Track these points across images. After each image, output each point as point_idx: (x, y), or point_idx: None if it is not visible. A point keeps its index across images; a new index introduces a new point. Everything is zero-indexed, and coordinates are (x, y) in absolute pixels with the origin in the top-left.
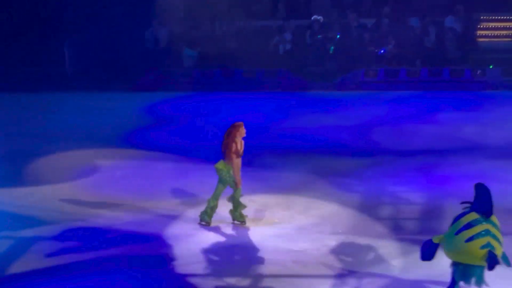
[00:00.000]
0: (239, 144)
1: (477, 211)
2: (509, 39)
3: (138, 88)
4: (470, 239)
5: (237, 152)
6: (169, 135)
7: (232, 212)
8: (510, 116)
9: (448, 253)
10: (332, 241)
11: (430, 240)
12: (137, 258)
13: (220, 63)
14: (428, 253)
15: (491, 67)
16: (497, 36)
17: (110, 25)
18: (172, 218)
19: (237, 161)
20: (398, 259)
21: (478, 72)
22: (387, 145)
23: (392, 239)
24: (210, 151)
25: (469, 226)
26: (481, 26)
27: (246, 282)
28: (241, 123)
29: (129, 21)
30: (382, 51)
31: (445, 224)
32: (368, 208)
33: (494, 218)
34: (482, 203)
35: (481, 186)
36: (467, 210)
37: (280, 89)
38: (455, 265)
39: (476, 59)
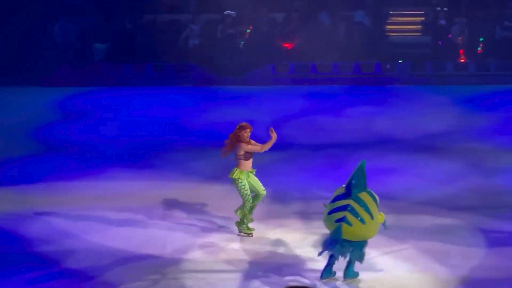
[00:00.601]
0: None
1: (345, 186)
2: (418, 34)
3: (48, 83)
4: (331, 211)
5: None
6: (76, 130)
7: (238, 224)
8: (419, 111)
9: (323, 222)
10: (239, 237)
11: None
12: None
13: (130, 57)
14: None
15: (400, 61)
16: (406, 31)
17: (19, 20)
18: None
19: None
20: (303, 248)
21: (388, 66)
22: (298, 139)
23: (301, 232)
24: (115, 147)
25: (334, 200)
26: (390, 21)
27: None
28: (246, 123)
29: (37, 15)
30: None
31: None
32: (278, 203)
33: (364, 195)
34: (350, 178)
35: (359, 164)
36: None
37: (190, 83)
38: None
39: (385, 54)
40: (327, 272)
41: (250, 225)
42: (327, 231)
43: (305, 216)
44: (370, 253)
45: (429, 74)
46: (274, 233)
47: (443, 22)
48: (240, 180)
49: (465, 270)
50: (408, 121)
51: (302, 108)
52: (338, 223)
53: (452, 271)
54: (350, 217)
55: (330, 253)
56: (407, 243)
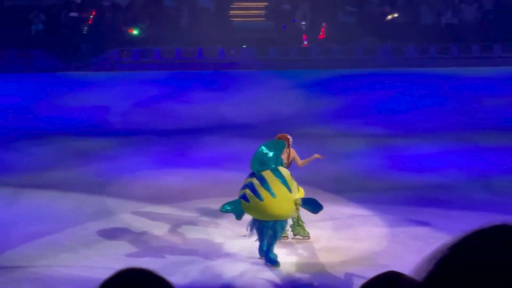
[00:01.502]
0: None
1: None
2: (262, 19)
3: None
4: (241, 188)
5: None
6: None
7: (292, 227)
8: (264, 95)
9: None
10: (85, 225)
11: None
12: None
13: None
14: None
15: (244, 46)
16: (250, 16)
17: None
18: None
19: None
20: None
21: (232, 51)
22: (143, 125)
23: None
24: None
25: (247, 176)
26: (234, 6)
27: None
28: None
29: None
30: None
31: (192, 203)
32: (116, 188)
33: (267, 173)
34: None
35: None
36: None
37: (33, 70)
38: None
39: (230, 39)
40: (260, 250)
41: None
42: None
43: (155, 201)
44: None
45: (273, 59)
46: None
47: (287, 6)
48: None
49: (309, 255)
50: (253, 106)
51: (147, 94)
52: (238, 199)
53: (308, 255)
54: (248, 194)
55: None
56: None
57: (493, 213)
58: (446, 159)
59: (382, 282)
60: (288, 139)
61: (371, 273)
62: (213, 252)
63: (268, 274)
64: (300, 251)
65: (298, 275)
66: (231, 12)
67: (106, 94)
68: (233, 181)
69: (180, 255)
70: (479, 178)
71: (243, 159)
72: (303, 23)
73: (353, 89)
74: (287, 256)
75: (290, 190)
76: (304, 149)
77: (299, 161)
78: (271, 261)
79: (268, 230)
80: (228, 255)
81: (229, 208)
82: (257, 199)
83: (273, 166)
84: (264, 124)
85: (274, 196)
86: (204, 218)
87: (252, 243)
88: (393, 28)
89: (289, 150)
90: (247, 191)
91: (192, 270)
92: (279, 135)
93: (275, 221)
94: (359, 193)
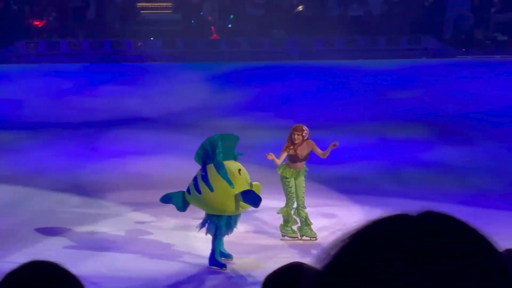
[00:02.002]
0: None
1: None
2: (169, 11)
3: None
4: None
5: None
6: None
7: (282, 227)
8: (172, 88)
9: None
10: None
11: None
12: None
13: None
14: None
15: (152, 39)
16: (158, 8)
17: None
18: None
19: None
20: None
21: (139, 44)
22: (49, 118)
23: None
24: None
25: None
26: None
27: None
28: (297, 125)
29: None
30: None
31: (103, 195)
32: (24, 181)
33: (210, 167)
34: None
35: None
36: None
37: None
38: None
39: (137, 31)
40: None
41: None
42: None
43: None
44: None
45: (181, 52)
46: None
47: None
48: (286, 178)
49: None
50: (161, 99)
51: (54, 87)
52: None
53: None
54: (191, 186)
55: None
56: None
57: (401, 204)
58: (356, 152)
59: (284, 273)
60: (303, 130)
61: None
62: (122, 245)
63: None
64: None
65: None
66: (139, 4)
67: (12, 87)
68: (142, 173)
69: (88, 248)
70: (388, 170)
71: (152, 152)
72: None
73: (260, 82)
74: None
75: (232, 186)
76: None
77: (320, 152)
78: (215, 263)
79: (211, 224)
80: (136, 248)
81: (168, 198)
82: (196, 192)
83: (218, 159)
84: (172, 117)
85: (212, 190)
86: (118, 209)
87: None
88: (300, 20)
89: (307, 142)
90: (191, 183)
91: (99, 260)
92: (295, 125)
93: (219, 216)
94: (270, 185)
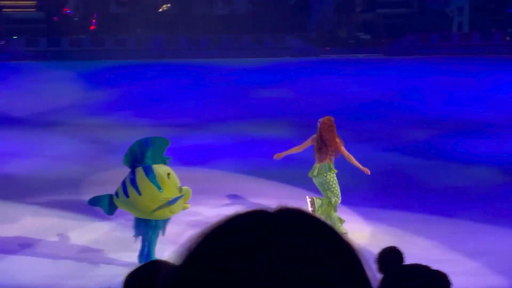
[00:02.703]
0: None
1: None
2: (33, 10)
3: None
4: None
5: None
6: None
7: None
8: (36, 87)
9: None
10: None
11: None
12: None
13: None
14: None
15: (15, 37)
16: (21, 7)
17: None
18: None
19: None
20: None
21: (2, 42)
22: None
23: None
24: None
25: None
26: None
27: None
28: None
29: None
30: None
31: None
32: None
33: (138, 170)
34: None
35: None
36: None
37: None
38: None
39: (0, 30)
40: (140, 255)
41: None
42: None
43: None
44: None
45: (45, 50)
46: None
47: None
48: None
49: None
50: (25, 98)
51: None
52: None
53: None
54: (119, 189)
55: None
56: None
57: (264, 202)
58: (220, 151)
59: (144, 270)
60: (330, 121)
61: None
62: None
63: None
64: None
65: None
66: (2, 2)
67: None
68: (17, 176)
69: None
70: (253, 169)
71: (19, 152)
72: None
73: (125, 80)
74: None
75: (160, 189)
76: (77, 140)
77: (345, 153)
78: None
79: (138, 226)
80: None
81: (96, 201)
82: (124, 196)
83: (147, 163)
84: (36, 117)
85: (140, 194)
86: None
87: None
88: (166, 19)
89: (339, 139)
90: (119, 186)
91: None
92: (323, 119)
93: (147, 220)
94: None
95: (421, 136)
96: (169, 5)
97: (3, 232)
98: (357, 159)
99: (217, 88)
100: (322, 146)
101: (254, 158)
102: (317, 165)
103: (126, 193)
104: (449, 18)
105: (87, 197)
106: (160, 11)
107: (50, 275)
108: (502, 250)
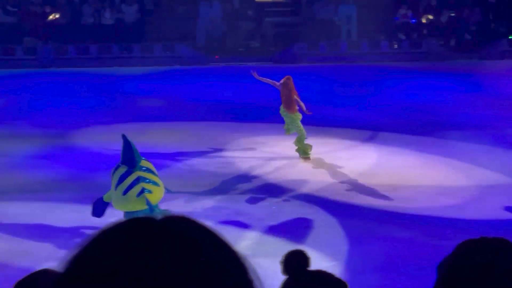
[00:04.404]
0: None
1: (124, 164)
2: None
3: None
4: (126, 191)
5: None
6: None
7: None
8: None
9: (118, 208)
10: None
11: (101, 198)
12: None
13: None
14: (98, 211)
15: None
16: None
17: None
18: None
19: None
20: None
21: None
22: None
23: None
24: None
25: (121, 179)
26: None
27: None
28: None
29: None
30: None
31: None
32: None
33: (146, 163)
34: (125, 155)
35: (124, 139)
36: (118, 165)
37: None
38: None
39: None
40: None
41: None
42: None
43: None
44: None
45: None
46: None
47: None
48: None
49: None
50: None
51: None
52: (141, 197)
53: None
54: (146, 185)
55: None
56: None
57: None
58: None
59: (32, 278)
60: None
61: None
62: None
63: None
64: None
65: None
66: None
67: None
68: None
69: None
70: None
71: None
72: None
73: (12, 91)
74: None
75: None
76: None
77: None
78: None
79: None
80: None
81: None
82: (155, 186)
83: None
84: None
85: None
86: None
87: None
88: (54, 28)
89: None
90: (143, 184)
91: None
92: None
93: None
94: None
95: None
96: (58, 14)
97: None
98: None
99: (105, 96)
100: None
101: None
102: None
103: (155, 183)
104: (337, 26)
105: None
106: (49, 20)
107: None
108: None
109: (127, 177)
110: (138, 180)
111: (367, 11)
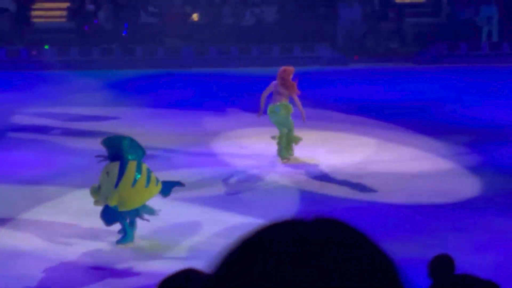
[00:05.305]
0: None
1: (113, 160)
2: (63, 20)
3: None
4: (134, 182)
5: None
6: None
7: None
8: (68, 96)
9: (130, 205)
10: None
11: (106, 206)
12: None
13: None
14: (109, 219)
15: (46, 47)
16: (52, 17)
17: None
18: None
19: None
20: None
21: (34, 52)
22: None
23: None
24: None
25: (121, 174)
26: (36, 7)
27: None
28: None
29: None
30: None
31: None
32: None
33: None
34: (111, 150)
35: (108, 138)
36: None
37: None
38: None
39: (32, 39)
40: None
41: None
42: None
43: None
44: None
45: (75, 59)
46: None
47: (91, 7)
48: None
49: None
50: (56, 108)
51: None
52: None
53: None
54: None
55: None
56: None
57: None
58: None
59: (178, 277)
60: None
61: None
62: None
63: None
64: None
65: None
66: (33, 12)
67: None
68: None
69: None
70: None
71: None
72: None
73: (154, 90)
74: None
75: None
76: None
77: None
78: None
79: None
80: None
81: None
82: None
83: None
84: (68, 124)
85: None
86: None
87: None
88: (195, 29)
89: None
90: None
91: None
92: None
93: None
94: None
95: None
96: (198, 15)
97: None
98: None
99: (246, 96)
100: (282, 89)
101: None
102: (271, 105)
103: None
104: (477, 27)
105: None
106: (190, 21)
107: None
108: None
109: (125, 170)
110: (139, 167)
111: (508, 12)
